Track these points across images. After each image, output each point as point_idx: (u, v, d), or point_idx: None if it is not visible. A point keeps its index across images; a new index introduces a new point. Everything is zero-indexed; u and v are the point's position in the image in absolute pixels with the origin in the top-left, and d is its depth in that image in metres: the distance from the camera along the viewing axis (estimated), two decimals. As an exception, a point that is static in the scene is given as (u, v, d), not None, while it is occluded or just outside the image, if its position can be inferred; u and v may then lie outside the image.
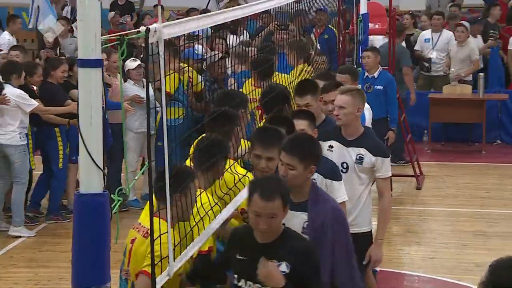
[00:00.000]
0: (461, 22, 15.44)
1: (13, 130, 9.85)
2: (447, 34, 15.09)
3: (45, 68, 10.49)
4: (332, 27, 12.90)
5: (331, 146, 6.34)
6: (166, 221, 4.16)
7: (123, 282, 4.86)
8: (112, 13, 17.52)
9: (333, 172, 5.81)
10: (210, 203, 4.85)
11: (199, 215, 4.66)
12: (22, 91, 9.92)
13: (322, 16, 12.95)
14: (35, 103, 9.91)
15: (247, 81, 8.70)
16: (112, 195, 3.72)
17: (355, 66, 11.02)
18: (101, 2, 3.59)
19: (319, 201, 4.84)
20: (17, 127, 9.86)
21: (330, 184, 5.72)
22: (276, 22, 11.48)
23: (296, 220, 4.78)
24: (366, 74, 10.91)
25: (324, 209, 4.80)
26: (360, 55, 10.98)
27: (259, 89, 7.40)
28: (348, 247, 4.85)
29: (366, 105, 7.77)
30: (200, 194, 4.80)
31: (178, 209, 4.52)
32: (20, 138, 9.88)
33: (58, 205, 10.56)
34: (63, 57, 11.70)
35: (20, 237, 9.86)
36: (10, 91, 9.86)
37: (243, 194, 4.98)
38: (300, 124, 5.78)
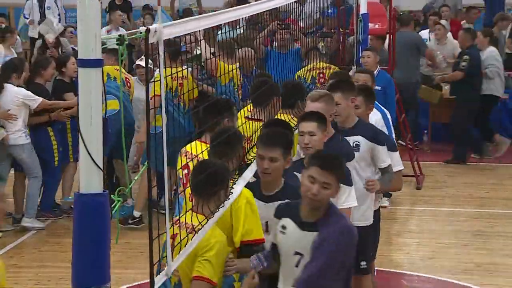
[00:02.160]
0: (437, 21, 15.41)
1: (19, 129, 9.88)
2: None
3: (34, 68, 10.43)
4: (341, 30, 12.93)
5: None
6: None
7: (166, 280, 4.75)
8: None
9: (378, 137, 6.28)
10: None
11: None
12: (25, 90, 9.94)
13: (330, 21, 12.94)
14: (40, 98, 9.94)
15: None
16: (112, 195, 3.72)
17: (355, 66, 11.03)
18: (101, 2, 3.60)
19: (330, 222, 4.59)
20: (21, 126, 9.90)
21: (375, 148, 6.26)
22: (278, 22, 11.47)
23: (308, 239, 4.62)
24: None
25: (333, 231, 4.54)
26: (360, 55, 10.96)
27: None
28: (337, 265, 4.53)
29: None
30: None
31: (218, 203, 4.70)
32: (26, 136, 9.94)
33: (51, 202, 10.59)
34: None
35: (20, 237, 9.87)
36: (16, 90, 9.88)
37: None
38: (308, 126, 5.73)
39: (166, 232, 4.14)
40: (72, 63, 10.40)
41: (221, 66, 8.98)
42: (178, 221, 4.56)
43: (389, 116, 8.14)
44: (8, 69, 10.10)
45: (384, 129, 7.65)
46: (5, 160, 10.02)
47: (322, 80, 9.71)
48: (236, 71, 8.98)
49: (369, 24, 11.30)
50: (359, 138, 6.52)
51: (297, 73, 9.41)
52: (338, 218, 4.63)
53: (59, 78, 10.61)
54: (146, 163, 4.06)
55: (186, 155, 5.64)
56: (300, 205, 4.68)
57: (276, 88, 6.87)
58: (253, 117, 6.56)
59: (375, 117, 7.53)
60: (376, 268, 7.50)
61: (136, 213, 10.08)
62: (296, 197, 4.94)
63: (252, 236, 5.00)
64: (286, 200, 5.05)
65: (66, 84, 10.52)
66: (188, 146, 5.79)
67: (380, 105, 8.18)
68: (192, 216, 4.64)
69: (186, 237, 4.35)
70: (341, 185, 5.56)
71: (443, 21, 15.51)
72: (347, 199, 5.79)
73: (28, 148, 9.94)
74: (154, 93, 4.06)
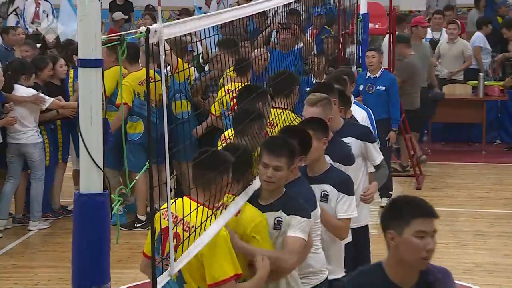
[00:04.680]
0: (454, 20, 15.42)
1: (31, 128, 9.91)
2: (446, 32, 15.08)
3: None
4: (328, 28, 12.95)
5: None
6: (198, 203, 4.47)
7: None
8: (117, 13, 17.61)
9: (347, 186, 5.72)
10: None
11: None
12: (34, 90, 9.92)
13: (319, 20, 12.99)
14: (51, 99, 9.94)
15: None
16: (112, 195, 3.72)
17: (355, 67, 11.05)
18: (101, 2, 3.60)
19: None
20: (34, 126, 9.92)
21: (365, 146, 6.25)
22: (278, 21, 11.47)
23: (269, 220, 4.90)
24: (369, 74, 10.86)
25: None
26: (360, 55, 10.97)
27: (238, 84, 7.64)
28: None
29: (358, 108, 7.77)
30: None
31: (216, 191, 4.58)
32: (38, 135, 9.97)
33: (49, 202, 10.58)
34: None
35: (20, 237, 9.87)
36: (26, 91, 9.86)
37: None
38: None
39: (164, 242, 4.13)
40: (60, 66, 10.42)
41: (179, 63, 9.07)
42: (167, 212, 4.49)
43: (372, 115, 8.08)
44: (16, 70, 10.05)
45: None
46: (17, 159, 9.99)
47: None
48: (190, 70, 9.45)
49: (369, 24, 11.31)
50: (350, 140, 6.37)
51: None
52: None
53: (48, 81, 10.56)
54: (147, 164, 4.04)
55: (225, 140, 5.94)
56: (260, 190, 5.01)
57: (295, 78, 7.10)
58: (274, 106, 6.64)
59: (361, 115, 7.52)
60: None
61: (141, 217, 10.08)
62: (296, 210, 4.89)
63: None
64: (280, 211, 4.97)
65: (57, 86, 10.51)
66: (226, 132, 6.11)
67: (363, 104, 8.16)
68: (184, 204, 4.57)
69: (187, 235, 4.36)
70: (342, 194, 5.56)
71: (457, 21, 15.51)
72: (348, 209, 5.62)
73: (40, 148, 9.99)
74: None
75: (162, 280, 4.02)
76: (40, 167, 10.00)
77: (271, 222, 4.92)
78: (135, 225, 10.01)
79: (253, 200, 5.03)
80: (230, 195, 4.82)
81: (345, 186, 5.64)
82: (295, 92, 6.87)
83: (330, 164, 5.78)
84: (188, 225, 4.46)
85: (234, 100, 7.84)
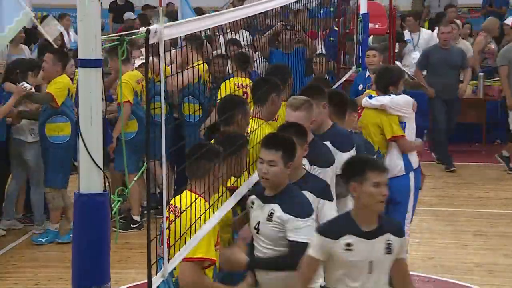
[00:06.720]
0: (453, 20, 15.39)
1: (26, 125, 9.73)
2: (425, 33, 15.05)
3: (7, 70, 10.08)
4: (337, 28, 12.92)
5: None
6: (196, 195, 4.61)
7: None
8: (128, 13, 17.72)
9: (326, 192, 5.56)
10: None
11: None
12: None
13: (326, 22, 12.96)
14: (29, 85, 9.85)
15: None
16: (112, 196, 3.73)
17: (355, 67, 11.05)
18: (101, 2, 3.60)
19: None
20: (29, 124, 9.78)
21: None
22: (282, 22, 11.45)
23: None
24: (368, 74, 10.85)
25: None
26: (360, 55, 10.96)
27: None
28: None
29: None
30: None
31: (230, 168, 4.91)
32: (32, 135, 9.74)
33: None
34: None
35: (20, 237, 9.87)
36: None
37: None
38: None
39: (163, 233, 4.14)
40: (70, 66, 10.31)
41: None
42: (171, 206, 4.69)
43: None
44: (24, 68, 9.98)
45: None
46: (15, 158, 9.81)
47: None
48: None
49: (369, 24, 11.31)
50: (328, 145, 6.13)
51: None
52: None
53: None
54: (145, 164, 4.04)
55: None
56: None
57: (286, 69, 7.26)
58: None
59: None
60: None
61: (136, 218, 10.03)
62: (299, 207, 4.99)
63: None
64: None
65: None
66: None
67: None
68: (181, 197, 4.72)
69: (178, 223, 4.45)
70: (322, 200, 5.42)
71: (457, 21, 15.47)
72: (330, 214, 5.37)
73: (35, 148, 9.65)
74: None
75: (156, 280, 4.03)
76: (36, 170, 9.67)
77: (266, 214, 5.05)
78: (131, 225, 9.98)
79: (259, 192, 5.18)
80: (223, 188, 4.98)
81: (325, 192, 5.49)
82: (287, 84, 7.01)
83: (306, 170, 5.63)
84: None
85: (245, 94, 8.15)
